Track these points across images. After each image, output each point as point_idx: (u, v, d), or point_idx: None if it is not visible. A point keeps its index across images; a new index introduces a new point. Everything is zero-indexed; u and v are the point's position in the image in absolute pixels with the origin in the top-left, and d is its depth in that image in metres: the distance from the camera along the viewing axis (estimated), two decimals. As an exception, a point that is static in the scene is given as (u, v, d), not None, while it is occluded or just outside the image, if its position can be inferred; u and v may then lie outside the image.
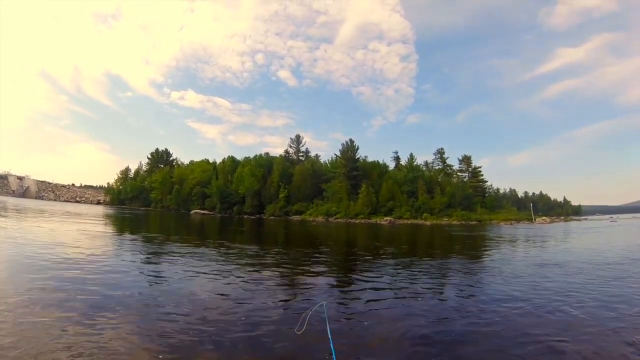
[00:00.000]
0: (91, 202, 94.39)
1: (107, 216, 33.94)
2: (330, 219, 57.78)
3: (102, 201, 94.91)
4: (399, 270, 10.00)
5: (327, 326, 3.81)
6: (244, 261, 10.52)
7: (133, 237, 16.23)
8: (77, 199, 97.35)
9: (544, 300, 6.58)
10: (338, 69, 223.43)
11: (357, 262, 11.99)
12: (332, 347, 3.16)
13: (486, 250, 16.97)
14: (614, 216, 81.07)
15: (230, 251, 12.77)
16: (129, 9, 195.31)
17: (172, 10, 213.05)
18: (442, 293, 7.41)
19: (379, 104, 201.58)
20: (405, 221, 56.11)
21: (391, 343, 4.51)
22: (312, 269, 9.69)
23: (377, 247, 16.88)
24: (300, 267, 9.98)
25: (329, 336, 3.45)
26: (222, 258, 10.89)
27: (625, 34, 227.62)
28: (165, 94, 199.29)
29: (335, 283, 8.18)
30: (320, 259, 12.16)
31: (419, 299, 6.74)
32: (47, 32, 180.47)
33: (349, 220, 56.91)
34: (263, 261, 10.76)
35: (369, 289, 7.48)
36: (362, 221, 55.62)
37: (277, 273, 8.83)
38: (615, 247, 17.53)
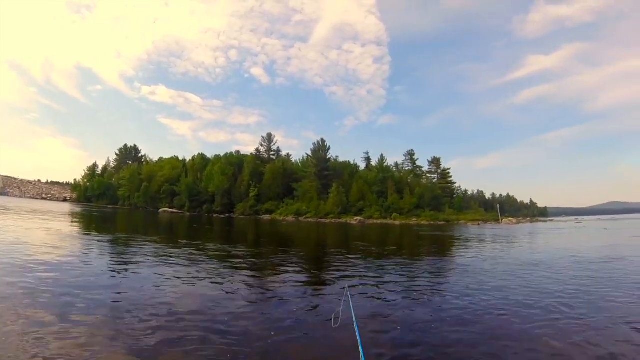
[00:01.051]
0: (57, 199, 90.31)
1: (74, 214, 32.40)
2: (301, 219, 57.28)
3: (68, 198, 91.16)
4: (369, 268, 10.15)
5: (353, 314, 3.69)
6: (215, 262, 10.09)
7: (101, 236, 15.47)
8: (44, 195, 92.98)
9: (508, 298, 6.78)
10: (312, 68, 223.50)
11: (328, 261, 11.81)
12: (358, 336, 2.98)
13: (453, 250, 17.20)
14: (579, 218, 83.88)
15: (201, 251, 12.20)
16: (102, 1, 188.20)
17: (147, 2, 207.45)
18: (413, 291, 7.48)
19: (351, 104, 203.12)
20: (375, 221, 56.27)
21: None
22: (286, 269, 9.42)
23: (352, 247, 16.83)
24: (273, 268, 9.75)
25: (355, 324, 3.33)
26: (191, 259, 10.43)
27: (597, 44, 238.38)
28: (136, 89, 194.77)
29: (307, 281, 8.06)
30: (294, 259, 11.86)
31: (390, 298, 6.75)
32: (19, 21, 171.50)
33: (319, 219, 56.56)
34: (234, 261, 10.36)
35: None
36: (333, 221, 55.39)
37: (250, 273, 8.62)
38: (580, 247, 17.83)
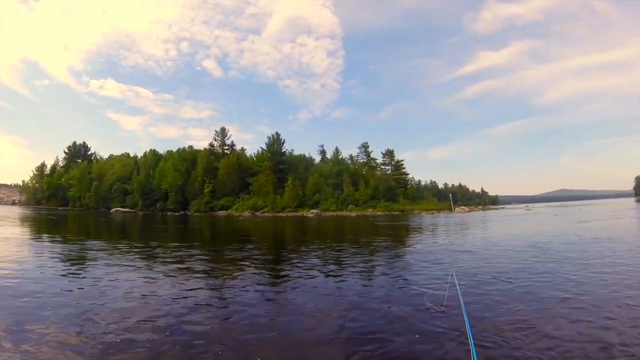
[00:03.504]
0: (6, 203, 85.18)
1: (24, 218, 30.58)
2: (257, 213, 56.80)
3: (17, 201, 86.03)
4: (328, 259, 10.23)
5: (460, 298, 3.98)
6: (168, 263, 9.53)
7: (51, 240, 14.53)
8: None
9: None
10: (265, 61, 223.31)
11: (287, 256, 11.52)
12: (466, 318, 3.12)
13: (408, 238, 17.48)
14: (529, 205, 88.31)
15: (155, 253, 11.56)
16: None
17: None
18: (369, 279, 7.68)
19: (305, 98, 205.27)
20: (332, 213, 56.67)
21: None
22: (243, 268, 9.02)
23: (306, 241, 16.75)
24: (232, 265, 9.43)
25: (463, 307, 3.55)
26: (145, 261, 9.86)
27: (545, 41, 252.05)
28: (84, 83, 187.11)
29: (269, 279, 7.89)
30: (251, 256, 11.40)
31: (346, 287, 6.85)
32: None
33: (276, 214, 56.31)
34: (189, 262, 9.84)
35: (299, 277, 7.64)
36: (289, 214, 55.33)
37: (206, 275, 8.18)
38: (525, 233, 18.28)
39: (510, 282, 6.92)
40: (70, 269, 8.45)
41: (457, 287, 5.10)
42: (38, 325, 4.54)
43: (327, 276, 7.86)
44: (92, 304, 5.54)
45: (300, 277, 7.66)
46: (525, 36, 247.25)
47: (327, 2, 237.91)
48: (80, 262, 9.53)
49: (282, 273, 8.36)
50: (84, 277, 7.53)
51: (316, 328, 4.63)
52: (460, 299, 4.57)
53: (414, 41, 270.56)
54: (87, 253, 11.11)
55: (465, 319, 3.52)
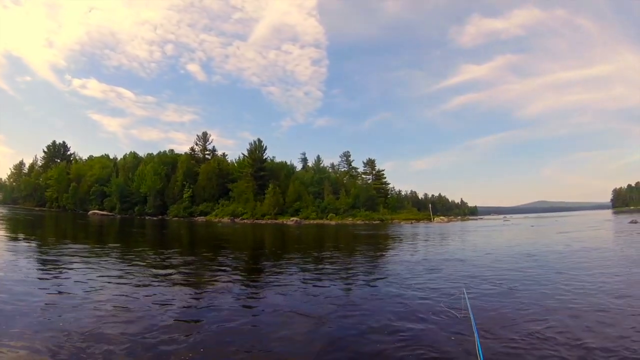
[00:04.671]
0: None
1: None
2: (237, 220, 56.49)
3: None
4: (307, 268, 10.24)
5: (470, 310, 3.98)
6: (145, 269, 9.37)
7: (26, 243, 14.15)
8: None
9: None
10: (250, 67, 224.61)
11: (264, 265, 11.31)
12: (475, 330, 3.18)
13: (387, 247, 17.62)
14: (508, 216, 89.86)
15: (131, 258, 11.29)
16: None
17: None
18: (348, 287, 7.76)
19: (288, 105, 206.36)
20: (312, 221, 56.71)
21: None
22: (222, 273, 9.03)
23: (285, 249, 16.76)
24: (208, 271, 9.40)
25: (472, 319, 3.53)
26: (123, 265, 9.73)
27: (527, 55, 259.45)
28: (67, 81, 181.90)
29: (245, 288, 7.67)
30: (231, 262, 11.42)
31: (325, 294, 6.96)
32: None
33: (256, 220, 56.06)
34: (167, 269, 9.63)
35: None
36: (269, 222, 55.14)
37: (183, 281, 8.01)
38: (500, 243, 18.76)
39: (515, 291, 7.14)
40: (41, 274, 8.26)
41: (466, 298, 5.17)
42: (11, 331, 4.46)
43: (305, 284, 7.88)
44: (63, 310, 5.41)
45: (277, 285, 7.67)
46: (508, 50, 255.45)
47: (313, 10, 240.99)
48: (54, 266, 9.29)
49: (260, 281, 8.35)
50: (56, 282, 7.33)
51: (293, 337, 4.63)
52: (468, 304, 4.70)
53: (398, 52, 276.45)
54: (62, 257, 10.82)
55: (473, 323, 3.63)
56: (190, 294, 6.80)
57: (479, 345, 2.86)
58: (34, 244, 14.10)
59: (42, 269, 8.76)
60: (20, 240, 15.49)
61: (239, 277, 8.72)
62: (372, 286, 7.80)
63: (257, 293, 7.15)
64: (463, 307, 5.20)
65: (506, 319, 5.27)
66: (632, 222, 32.01)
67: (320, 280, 8.39)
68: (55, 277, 7.80)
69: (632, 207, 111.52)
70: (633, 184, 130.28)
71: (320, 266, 10.53)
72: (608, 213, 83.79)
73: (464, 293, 5.40)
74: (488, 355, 3.76)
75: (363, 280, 8.48)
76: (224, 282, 7.95)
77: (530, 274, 8.90)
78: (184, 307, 5.88)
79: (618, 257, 11.89)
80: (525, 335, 4.58)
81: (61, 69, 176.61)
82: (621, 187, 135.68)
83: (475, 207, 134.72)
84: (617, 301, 6.20)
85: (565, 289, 7.14)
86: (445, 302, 6.03)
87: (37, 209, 65.63)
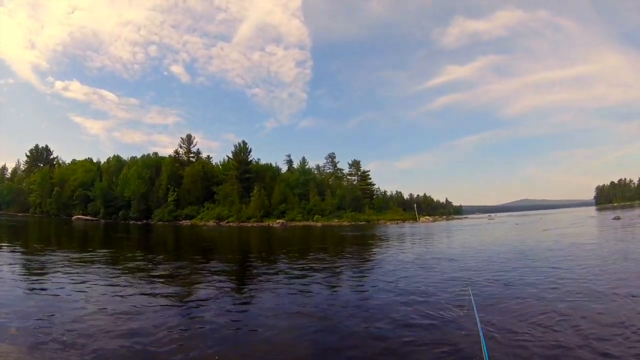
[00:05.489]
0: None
1: None
2: (222, 223, 56.41)
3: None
4: (297, 271, 10.19)
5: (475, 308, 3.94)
6: (130, 276, 9.10)
7: (8, 250, 14.01)
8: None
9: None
10: (233, 69, 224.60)
11: (252, 270, 11.20)
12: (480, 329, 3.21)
13: (377, 248, 17.67)
14: (492, 215, 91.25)
15: (115, 265, 11.11)
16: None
17: None
18: (334, 289, 7.80)
19: (272, 107, 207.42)
20: (298, 223, 56.94)
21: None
22: (208, 278, 8.90)
23: (271, 252, 16.65)
24: (194, 276, 9.24)
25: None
26: (107, 271, 9.62)
27: (509, 56, 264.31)
28: (49, 83, 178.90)
29: (233, 293, 7.54)
30: (217, 266, 11.29)
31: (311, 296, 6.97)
32: None
33: (241, 223, 56.04)
34: (152, 273, 9.61)
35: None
36: (255, 224, 55.17)
37: (165, 286, 7.93)
38: (490, 241, 18.85)
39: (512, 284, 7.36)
40: (25, 280, 8.23)
41: (471, 296, 5.09)
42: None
43: (291, 287, 7.85)
44: (47, 317, 5.35)
45: (262, 289, 7.63)
46: (491, 51, 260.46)
47: (297, 12, 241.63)
48: (37, 272, 9.24)
49: (246, 286, 8.26)
50: (40, 290, 7.20)
51: (281, 342, 4.60)
52: (473, 303, 4.64)
53: (382, 53, 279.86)
54: (45, 264, 10.71)
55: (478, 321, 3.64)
56: (175, 299, 6.74)
57: (483, 341, 2.86)
58: (18, 252, 13.92)
59: (25, 278, 8.64)
60: (2, 248, 15.17)
61: (228, 283, 8.58)
62: (371, 287, 7.83)
63: (249, 297, 7.08)
64: (467, 303, 5.24)
65: (508, 314, 5.36)
66: (615, 218, 32.53)
67: (313, 283, 8.34)
68: (39, 287, 7.59)
69: (615, 204, 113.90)
70: (616, 181, 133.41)
71: (311, 269, 10.45)
72: (592, 210, 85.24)
73: (469, 292, 5.35)
74: (494, 353, 3.82)
75: (359, 282, 8.59)
76: (212, 287, 7.82)
77: (524, 270, 9.06)
78: (169, 311, 5.79)
79: (608, 252, 12.08)
80: (529, 329, 4.66)
81: (43, 70, 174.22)
82: (604, 184, 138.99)
83: (460, 206, 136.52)
84: (618, 291, 6.40)
85: (561, 283, 7.31)
86: (447, 299, 6.12)
87: (20, 214, 64.71)
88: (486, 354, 2.70)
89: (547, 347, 4.08)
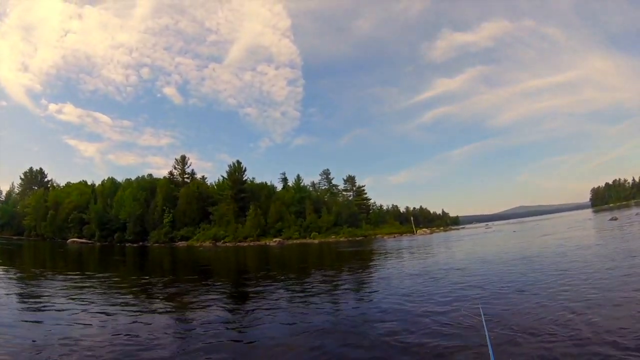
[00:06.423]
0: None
1: None
2: (218, 243, 56.11)
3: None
4: (300, 288, 10.11)
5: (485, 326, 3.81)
6: (128, 300, 9.06)
7: (4, 273, 13.97)
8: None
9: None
10: (226, 89, 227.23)
11: (247, 288, 11.17)
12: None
13: (379, 262, 17.57)
14: (489, 223, 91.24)
15: (113, 289, 10.98)
16: (16, 8, 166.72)
17: (58, 13, 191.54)
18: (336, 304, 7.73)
19: (265, 126, 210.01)
20: (295, 241, 56.75)
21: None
22: (214, 301, 8.71)
23: (269, 271, 16.34)
24: (198, 300, 8.95)
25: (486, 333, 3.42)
26: (103, 295, 9.47)
27: (497, 66, 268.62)
28: (42, 106, 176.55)
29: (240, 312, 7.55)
30: (219, 289, 11.15)
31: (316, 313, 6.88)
32: None
33: (238, 243, 55.77)
34: (149, 296, 9.58)
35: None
36: (251, 243, 54.89)
37: (162, 309, 7.85)
38: (489, 250, 18.99)
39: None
40: (22, 304, 8.16)
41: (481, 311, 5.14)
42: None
43: (292, 308, 7.70)
44: (41, 341, 5.27)
45: (263, 311, 7.43)
46: (478, 62, 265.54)
47: (287, 32, 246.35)
48: (32, 297, 9.12)
49: (246, 307, 8.04)
50: (36, 314, 7.12)
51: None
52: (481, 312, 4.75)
53: (371, 70, 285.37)
54: (43, 287, 10.66)
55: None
56: (176, 323, 6.69)
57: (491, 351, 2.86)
58: (15, 275, 13.93)
59: (23, 300, 8.62)
60: (2, 271, 15.13)
61: (227, 304, 8.45)
62: (381, 301, 7.76)
63: (241, 321, 6.88)
64: (475, 314, 5.31)
65: (519, 321, 5.33)
66: (612, 219, 32.49)
67: (318, 298, 8.32)
68: (36, 310, 7.52)
69: (611, 205, 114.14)
70: (610, 182, 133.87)
71: (313, 286, 10.41)
72: (588, 212, 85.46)
73: (479, 308, 5.36)
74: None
75: (368, 296, 8.58)
76: (212, 310, 7.72)
77: (532, 276, 9.09)
78: (167, 336, 5.67)
79: (612, 252, 12.07)
80: (542, 337, 4.65)
81: (37, 93, 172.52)
82: (599, 186, 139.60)
83: (457, 217, 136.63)
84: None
85: (569, 288, 7.26)
86: (461, 309, 6.15)
87: (15, 237, 64.24)
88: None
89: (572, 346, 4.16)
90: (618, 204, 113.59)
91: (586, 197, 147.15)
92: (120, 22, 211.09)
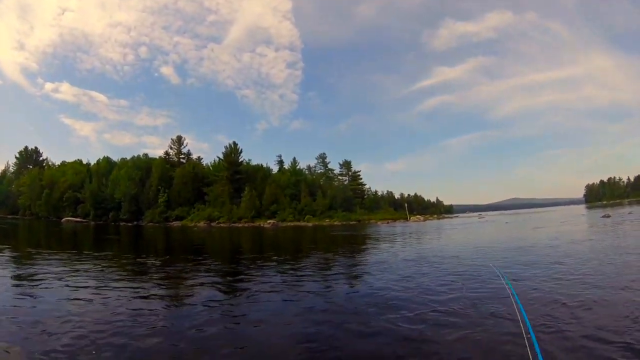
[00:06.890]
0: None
1: None
2: (213, 224, 56.42)
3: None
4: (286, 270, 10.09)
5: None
6: (120, 277, 9.00)
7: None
8: None
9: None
10: (224, 70, 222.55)
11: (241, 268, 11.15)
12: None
13: (373, 247, 17.66)
14: (483, 213, 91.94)
15: (105, 266, 10.94)
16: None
17: None
18: (328, 289, 7.62)
19: (263, 108, 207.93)
20: (289, 223, 57.06)
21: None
22: (209, 281, 8.65)
23: (262, 252, 16.43)
24: (192, 280, 8.99)
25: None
26: (97, 274, 9.35)
27: (499, 58, 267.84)
28: (39, 85, 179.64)
29: (227, 293, 7.50)
30: (214, 269, 11.08)
31: (308, 296, 6.81)
32: None
33: (232, 224, 56.08)
34: (143, 275, 9.52)
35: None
36: (246, 225, 55.19)
37: (156, 289, 7.72)
38: (478, 240, 18.95)
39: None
40: (15, 285, 8.04)
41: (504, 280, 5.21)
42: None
43: (285, 287, 7.74)
44: (32, 323, 5.13)
45: (257, 291, 7.33)
46: (480, 53, 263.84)
47: (288, 13, 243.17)
48: (26, 277, 8.92)
49: (239, 286, 8.06)
50: (29, 295, 6.93)
51: (275, 341, 4.56)
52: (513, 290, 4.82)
53: (372, 55, 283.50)
54: (35, 267, 10.42)
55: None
56: (172, 306, 6.52)
57: (534, 339, 2.76)
58: (8, 254, 13.79)
59: (16, 281, 8.50)
60: None
61: (222, 285, 8.34)
62: (374, 284, 7.70)
63: (235, 299, 6.86)
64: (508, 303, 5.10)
65: (553, 307, 5.29)
66: (604, 216, 32.65)
67: (316, 281, 8.34)
68: (28, 290, 7.40)
69: (604, 202, 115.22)
70: (605, 180, 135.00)
71: (310, 268, 10.42)
72: (581, 208, 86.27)
73: (512, 291, 5.19)
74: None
75: (361, 278, 8.64)
76: (206, 291, 7.58)
77: (531, 266, 9.07)
78: (166, 320, 5.52)
79: (606, 248, 12.06)
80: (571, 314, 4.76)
81: (33, 72, 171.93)
82: (594, 183, 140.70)
83: (451, 205, 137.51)
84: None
85: (572, 278, 7.32)
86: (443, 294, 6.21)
87: (9, 216, 64.22)
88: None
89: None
90: (611, 201, 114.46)
91: (580, 193, 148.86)
92: (119, 1, 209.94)
